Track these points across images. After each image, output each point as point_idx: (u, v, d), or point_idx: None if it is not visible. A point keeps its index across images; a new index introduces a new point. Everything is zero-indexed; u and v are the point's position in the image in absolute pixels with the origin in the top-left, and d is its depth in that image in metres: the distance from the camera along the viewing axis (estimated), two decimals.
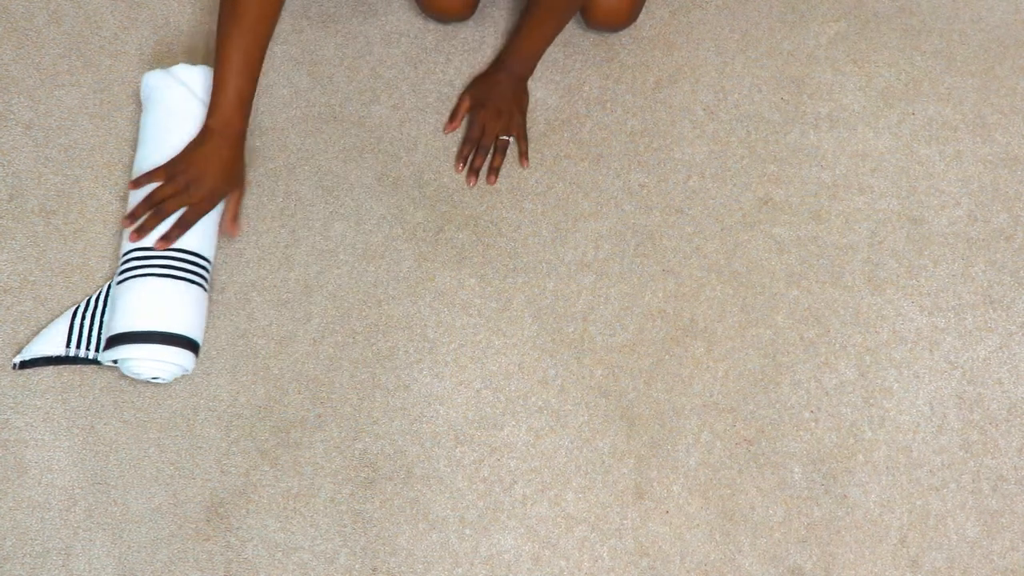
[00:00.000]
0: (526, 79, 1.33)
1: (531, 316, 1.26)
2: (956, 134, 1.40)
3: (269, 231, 1.26)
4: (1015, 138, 1.40)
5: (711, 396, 1.25)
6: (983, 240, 1.35)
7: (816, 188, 1.35)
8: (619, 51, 1.40)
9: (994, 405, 1.28)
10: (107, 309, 1.16)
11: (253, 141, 1.30)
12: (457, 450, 1.20)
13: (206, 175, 1.13)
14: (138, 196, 1.15)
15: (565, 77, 1.38)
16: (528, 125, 1.35)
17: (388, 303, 1.25)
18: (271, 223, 1.27)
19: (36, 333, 1.18)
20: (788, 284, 1.31)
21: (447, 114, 1.34)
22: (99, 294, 1.18)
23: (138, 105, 1.28)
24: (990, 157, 1.39)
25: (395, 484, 1.18)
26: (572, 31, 1.40)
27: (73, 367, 1.18)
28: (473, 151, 1.31)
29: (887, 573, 1.20)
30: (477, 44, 1.38)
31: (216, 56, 1.13)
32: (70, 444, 1.16)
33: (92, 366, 1.18)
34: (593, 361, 1.25)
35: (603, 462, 1.21)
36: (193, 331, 1.14)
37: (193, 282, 1.14)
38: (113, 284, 1.16)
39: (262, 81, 1.33)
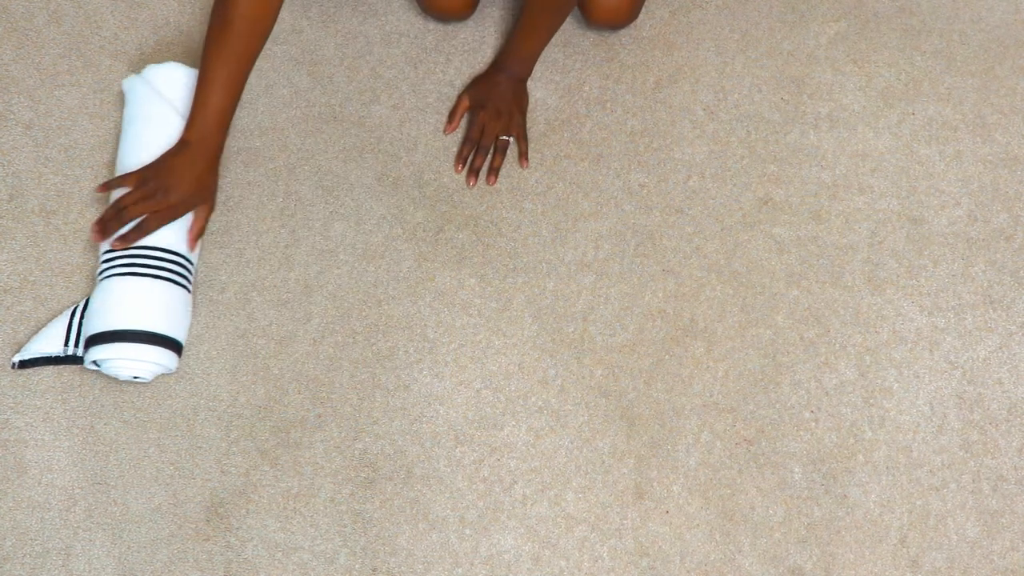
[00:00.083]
0: (525, 80, 1.33)
1: (531, 316, 1.26)
2: (956, 134, 1.40)
3: (269, 231, 1.26)
4: (1015, 138, 1.40)
5: (711, 396, 1.25)
6: (983, 240, 1.35)
7: (816, 188, 1.35)
8: (619, 51, 1.40)
9: (994, 405, 1.28)
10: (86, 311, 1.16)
11: (253, 141, 1.30)
12: (457, 450, 1.20)
13: (177, 185, 1.13)
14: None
15: (565, 77, 1.38)
16: (528, 125, 1.35)
17: (388, 303, 1.25)
18: (271, 223, 1.27)
19: (36, 333, 1.18)
20: (788, 284, 1.31)
21: (447, 114, 1.34)
22: None
23: None
24: (990, 157, 1.39)
25: (395, 484, 1.18)
26: (572, 31, 1.40)
27: (73, 367, 1.18)
28: (473, 151, 1.31)
29: (887, 573, 1.20)
30: (477, 44, 1.38)
31: (200, 69, 1.13)
32: (70, 444, 1.16)
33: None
34: (593, 361, 1.25)
35: (603, 462, 1.21)
36: (168, 328, 1.13)
37: (169, 279, 1.13)
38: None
39: (262, 81, 1.33)
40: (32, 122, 1.27)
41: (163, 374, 1.18)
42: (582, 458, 1.21)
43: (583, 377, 1.24)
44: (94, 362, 1.13)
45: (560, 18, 1.21)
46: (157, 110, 1.18)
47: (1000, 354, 1.30)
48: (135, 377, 1.13)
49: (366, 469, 1.18)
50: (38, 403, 1.16)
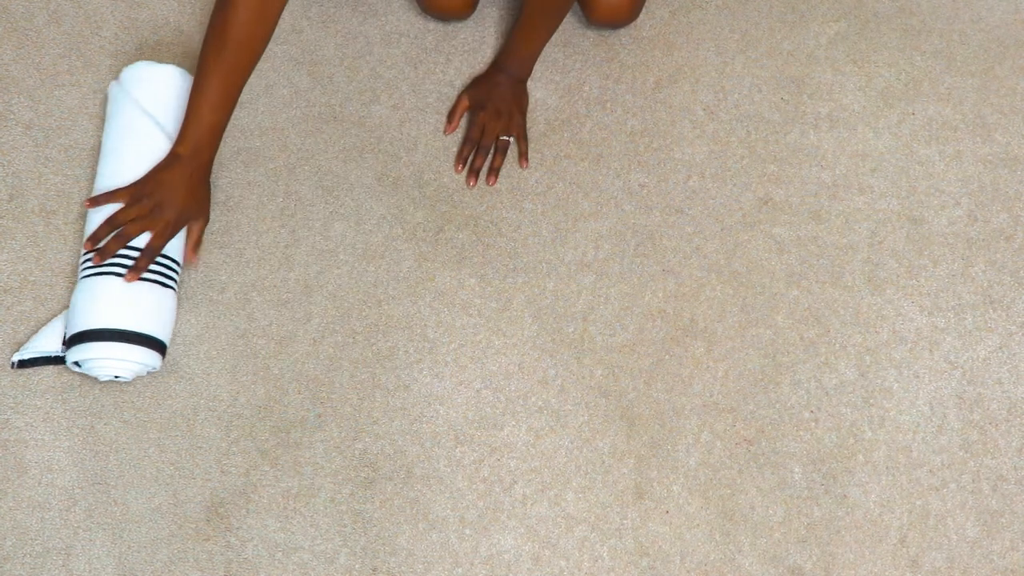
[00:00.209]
0: (525, 80, 1.33)
1: (531, 316, 1.26)
2: (956, 134, 1.40)
3: (269, 231, 1.26)
4: (1015, 138, 1.40)
5: (711, 396, 1.25)
6: (983, 240, 1.35)
7: (816, 188, 1.35)
8: (619, 51, 1.40)
9: (994, 405, 1.28)
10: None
11: (253, 141, 1.30)
12: (457, 450, 1.20)
13: (172, 200, 1.12)
14: (96, 217, 1.14)
15: (565, 77, 1.38)
16: (528, 125, 1.35)
17: (388, 303, 1.25)
18: (271, 223, 1.27)
19: (35, 332, 1.18)
20: (788, 284, 1.31)
21: (447, 114, 1.34)
22: None
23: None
24: (990, 157, 1.39)
25: (395, 484, 1.18)
26: (572, 30, 1.40)
27: None
28: (473, 151, 1.31)
29: (887, 573, 1.20)
30: (477, 44, 1.38)
31: (195, 82, 1.12)
32: (70, 444, 1.16)
33: None
34: (593, 361, 1.25)
35: (603, 462, 1.21)
36: (147, 326, 1.11)
37: (150, 279, 1.12)
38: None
39: (262, 81, 1.33)
40: (32, 122, 1.27)
41: (163, 374, 1.18)
42: (582, 458, 1.21)
43: (583, 377, 1.24)
44: (75, 363, 1.13)
45: (559, 18, 1.21)
46: (131, 119, 1.17)
47: (1000, 354, 1.30)
48: (116, 377, 1.13)
49: (366, 469, 1.19)
50: (38, 403, 1.16)
